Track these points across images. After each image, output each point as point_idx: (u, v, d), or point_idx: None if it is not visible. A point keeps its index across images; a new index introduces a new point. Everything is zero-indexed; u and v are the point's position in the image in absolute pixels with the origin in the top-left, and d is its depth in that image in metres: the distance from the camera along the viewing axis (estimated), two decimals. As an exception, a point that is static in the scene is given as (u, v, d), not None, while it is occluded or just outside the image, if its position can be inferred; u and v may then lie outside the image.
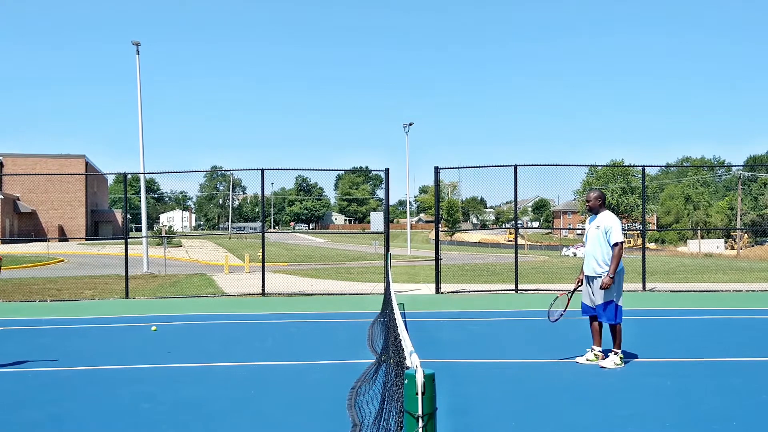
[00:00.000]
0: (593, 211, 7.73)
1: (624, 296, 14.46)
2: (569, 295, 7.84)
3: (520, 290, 15.66)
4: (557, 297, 8.03)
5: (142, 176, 25.50)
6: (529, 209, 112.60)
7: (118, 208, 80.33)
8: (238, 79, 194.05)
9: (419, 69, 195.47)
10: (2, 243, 43.87)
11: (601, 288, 7.36)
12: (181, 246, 46.35)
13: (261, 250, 17.02)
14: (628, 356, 7.91)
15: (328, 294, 15.90)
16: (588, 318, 7.73)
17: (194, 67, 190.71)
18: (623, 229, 8.02)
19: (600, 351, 7.58)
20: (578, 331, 9.12)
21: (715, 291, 15.71)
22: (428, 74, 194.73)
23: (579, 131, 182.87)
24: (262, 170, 15.45)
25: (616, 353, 7.37)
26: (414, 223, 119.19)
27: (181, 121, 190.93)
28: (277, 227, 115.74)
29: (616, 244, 7.33)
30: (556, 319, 7.88)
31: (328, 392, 6.36)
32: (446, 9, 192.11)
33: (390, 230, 15.48)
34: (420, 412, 2.50)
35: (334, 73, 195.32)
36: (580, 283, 7.79)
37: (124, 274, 15.99)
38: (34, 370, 7.57)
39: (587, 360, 7.56)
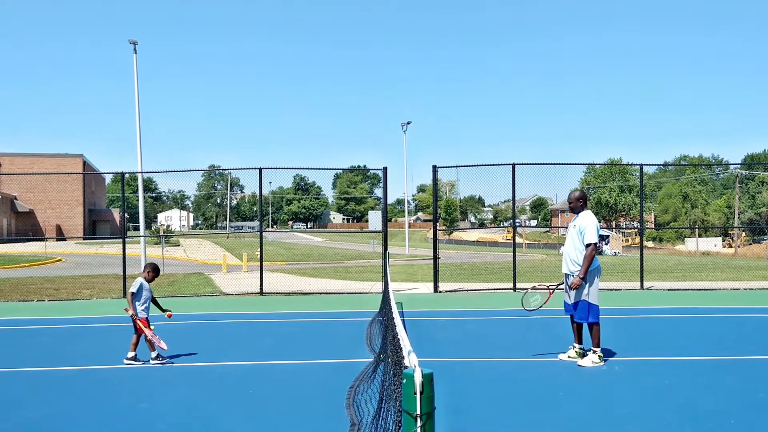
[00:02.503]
0: (575, 211, 7.81)
1: (621, 295, 14.48)
2: (551, 289, 7.85)
3: (518, 289, 15.66)
4: (534, 286, 8.12)
5: (139, 175, 25.42)
6: (527, 208, 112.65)
7: (115, 208, 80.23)
8: (236, 78, 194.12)
9: (417, 68, 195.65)
10: (0, 242, 43.78)
11: (570, 288, 7.43)
12: (179, 245, 46.31)
13: (259, 249, 17.01)
14: (625, 354, 7.93)
15: (327, 293, 15.89)
16: (569, 316, 7.78)
17: (192, 67, 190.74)
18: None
19: (580, 348, 7.65)
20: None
21: (712, 289, 15.73)
22: (426, 73, 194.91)
23: (577, 130, 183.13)
24: (260, 169, 15.44)
25: (594, 352, 7.39)
26: (412, 221, 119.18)
27: (179, 121, 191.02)
28: (275, 226, 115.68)
29: (588, 245, 7.37)
30: (533, 309, 7.96)
31: (327, 391, 6.35)
32: (444, 8, 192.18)
33: (388, 229, 15.47)
34: (418, 412, 2.50)
35: (332, 72, 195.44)
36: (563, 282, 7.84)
37: (121, 274, 15.99)
38: (31, 370, 7.55)
39: (568, 357, 7.64)
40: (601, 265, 7.66)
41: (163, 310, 8.09)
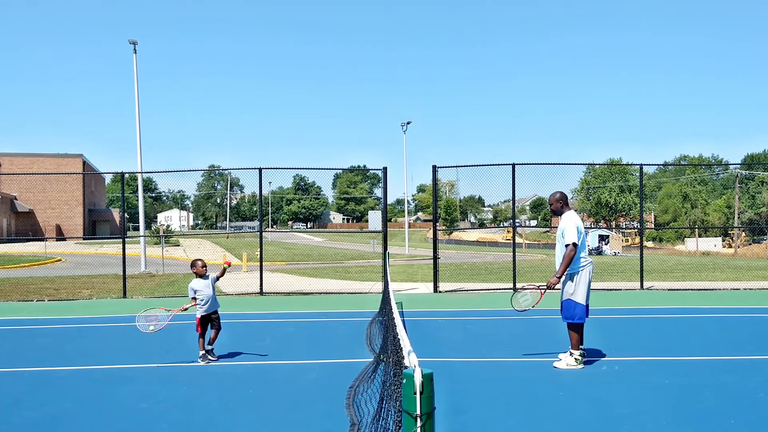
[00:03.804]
0: (556, 213, 7.74)
1: (621, 295, 14.46)
2: (542, 289, 7.73)
3: (518, 289, 15.65)
4: (524, 286, 8.03)
5: (139, 175, 25.47)
6: (527, 208, 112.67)
7: (115, 208, 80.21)
8: (235, 78, 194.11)
9: (417, 68, 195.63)
10: (0, 242, 43.78)
11: (547, 287, 7.42)
12: (178, 245, 46.30)
13: (259, 249, 17.01)
14: (625, 354, 7.93)
15: (326, 293, 15.89)
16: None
17: (192, 66, 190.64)
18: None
19: (582, 349, 7.50)
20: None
21: (712, 289, 15.73)
22: (426, 73, 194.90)
23: (577, 130, 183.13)
24: (260, 169, 15.43)
25: (571, 354, 7.31)
26: (412, 221, 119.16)
27: (179, 120, 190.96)
28: (275, 226, 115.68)
29: (567, 245, 7.33)
30: (524, 310, 7.85)
31: (326, 391, 6.35)
32: (444, 8, 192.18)
33: (388, 229, 15.48)
34: (418, 412, 2.50)
35: (332, 72, 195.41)
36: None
37: (121, 274, 15.97)
38: (31, 370, 7.55)
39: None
40: (591, 266, 7.48)
41: (223, 270, 8.11)
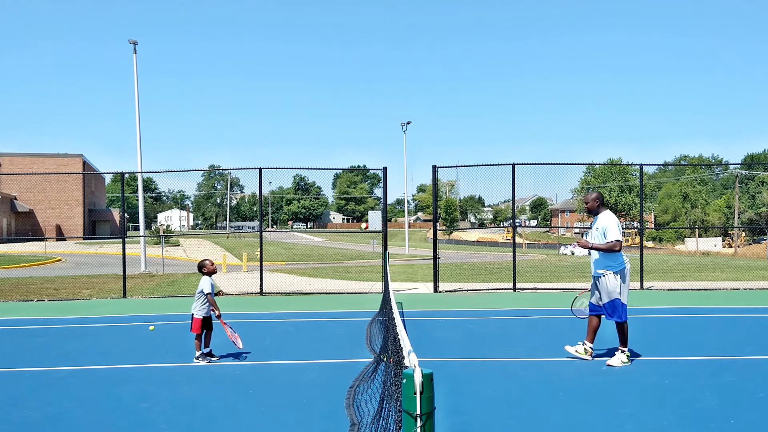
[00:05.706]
0: (592, 212, 7.81)
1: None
2: (575, 245, 7.94)
3: (518, 289, 15.66)
4: (578, 295, 8.12)
5: (139, 175, 25.47)
6: (527, 208, 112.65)
7: (115, 208, 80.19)
8: (235, 78, 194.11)
9: (417, 68, 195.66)
10: (0, 242, 43.77)
11: (578, 244, 7.58)
12: (178, 245, 46.29)
13: (259, 249, 17.01)
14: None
15: (326, 293, 15.88)
16: (588, 317, 7.82)
17: (192, 66, 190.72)
18: (622, 227, 8.10)
19: (590, 347, 7.68)
20: (578, 330, 9.14)
21: (712, 289, 15.72)
22: (426, 73, 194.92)
23: (577, 130, 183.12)
24: (260, 169, 15.43)
25: (623, 351, 7.42)
26: (412, 221, 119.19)
27: (179, 120, 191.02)
28: (275, 226, 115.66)
29: (611, 242, 7.46)
30: (585, 317, 7.93)
31: (326, 391, 6.35)
32: (444, 8, 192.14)
33: (388, 229, 15.48)
34: (418, 412, 2.50)
35: (332, 72, 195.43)
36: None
37: (121, 274, 15.97)
38: (31, 370, 7.55)
39: (575, 351, 7.68)
40: (629, 265, 7.64)
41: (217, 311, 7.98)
